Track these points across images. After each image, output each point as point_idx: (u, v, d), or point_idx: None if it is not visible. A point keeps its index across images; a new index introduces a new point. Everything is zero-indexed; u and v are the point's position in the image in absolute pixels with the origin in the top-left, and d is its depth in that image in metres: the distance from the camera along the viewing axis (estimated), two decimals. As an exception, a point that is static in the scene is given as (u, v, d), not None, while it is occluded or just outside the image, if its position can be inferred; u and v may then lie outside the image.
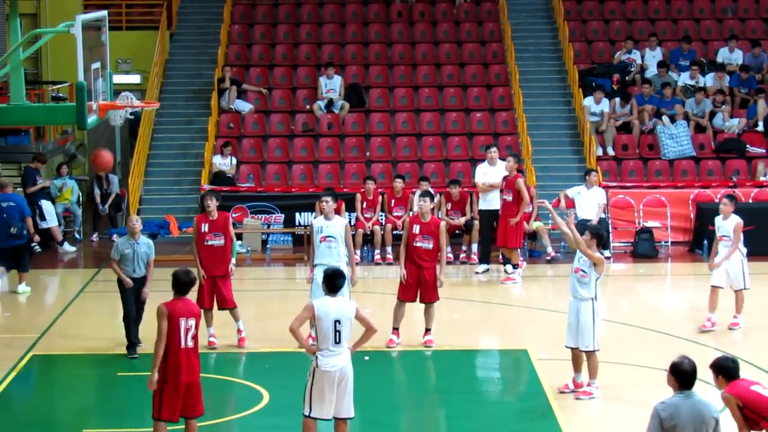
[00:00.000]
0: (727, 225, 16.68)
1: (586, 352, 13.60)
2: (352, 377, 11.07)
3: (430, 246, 15.65)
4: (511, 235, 20.26)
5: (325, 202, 15.39)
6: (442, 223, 15.99)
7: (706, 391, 13.61)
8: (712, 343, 15.97)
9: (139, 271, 15.31)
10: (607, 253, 21.96)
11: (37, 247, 22.28)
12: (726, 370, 9.49)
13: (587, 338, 13.54)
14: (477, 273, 20.99)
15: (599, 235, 13.72)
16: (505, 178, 20.44)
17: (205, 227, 15.66)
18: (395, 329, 15.91)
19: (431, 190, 17.50)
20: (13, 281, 20.01)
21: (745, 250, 16.97)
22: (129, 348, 15.43)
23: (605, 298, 19.23)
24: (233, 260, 15.82)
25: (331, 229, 15.30)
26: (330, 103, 26.30)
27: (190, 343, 10.99)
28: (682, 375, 8.71)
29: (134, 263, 15.28)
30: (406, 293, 15.84)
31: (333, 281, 11.04)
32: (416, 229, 15.69)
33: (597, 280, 13.51)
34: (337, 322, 10.87)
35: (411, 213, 20.73)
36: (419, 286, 15.76)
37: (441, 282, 15.79)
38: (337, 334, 10.88)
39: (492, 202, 20.85)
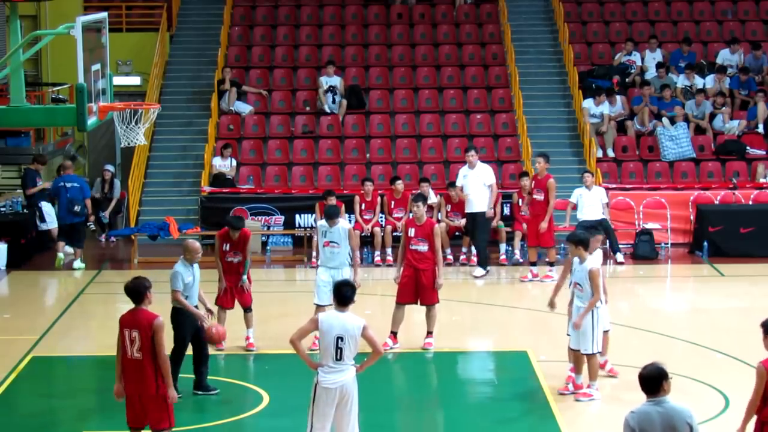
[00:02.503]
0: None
1: (585, 355, 13.62)
2: (356, 396, 10.74)
3: (426, 248, 15.67)
4: (544, 234, 20.46)
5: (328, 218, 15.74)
6: (437, 226, 16.02)
7: (699, 390, 13.67)
8: (711, 345, 15.97)
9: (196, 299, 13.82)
10: (619, 256, 21.97)
11: (92, 225, 24.12)
12: None
13: (586, 341, 13.58)
14: (475, 277, 20.97)
15: (580, 240, 13.69)
16: (534, 178, 20.79)
17: (226, 246, 15.76)
18: (393, 333, 15.91)
19: (424, 194, 17.69)
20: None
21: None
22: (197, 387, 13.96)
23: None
24: (244, 277, 15.71)
25: (334, 234, 15.57)
26: (330, 90, 26.25)
27: (137, 354, 10.81)
28: (641, 381, 8.68)
29: (195, 290, 13.74)
30: (403, 296, 15.86)
31: (341, 292, 10.69)
32: (411, 232, 15.76)
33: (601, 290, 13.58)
34: (339, 339, 10.52)
35: (410, 215, 20.78)
36: (417, 289, 15.78)
37: (439, 284, 15.79)
38: (339, 351, 10.53)
39: (472, 204, 20.99)
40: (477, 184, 20.91)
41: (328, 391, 10.59)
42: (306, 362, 10.84)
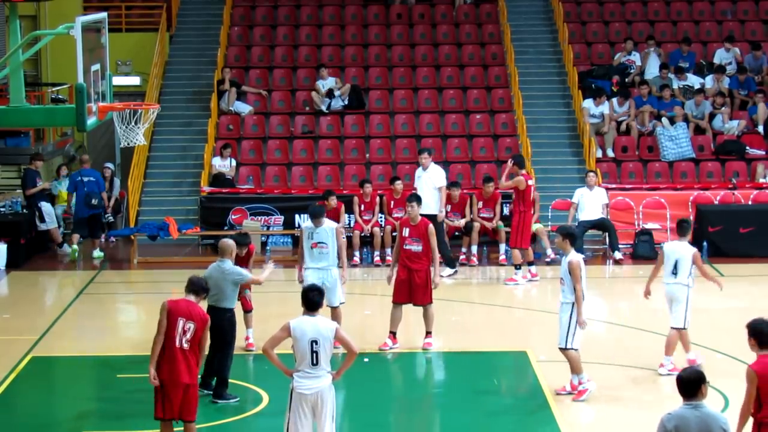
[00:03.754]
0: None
1: (559, 349, 13.61)
2: (332, 402, 10.58)
3: (420, 248, 15.66)
4: (519, 235, 20.42)
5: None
6: (431, 225, 15.95)
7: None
8: (711, 345, 15.96)
9: None
10: (617, 254, 21.98)
11: (111, 217, 24.34)
12: (759, 333, 9.59)
13: (561, 335, 13.62)
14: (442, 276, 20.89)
15: (570, 234, 13.70)
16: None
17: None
18: (391, 333, 15.90)
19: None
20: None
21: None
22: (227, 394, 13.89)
23: (605, 300, 19.26)
24: (246, 290, 15.65)
25: (321, 235, 15.50)
26: (329, 95, 26.28)
27: (186, 345, 11.01)
28: (679, 383, 8.68)
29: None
30: (399, 295, 15.85)
31: (309, 297, 10.57)
32: (406, 232, 15.75)
33: (582, 284, 13.52)
34: (313, 342, 10.40)
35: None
36: (410, 289, 15.77)
37: (436, 283, 15.80)
38: (314, 355, 10.40)
39: (422, 206, 20.97)
40: (428, 187, 20.87)
41: (304, 397, 10.48)
42: (281, 369, 10.74)
